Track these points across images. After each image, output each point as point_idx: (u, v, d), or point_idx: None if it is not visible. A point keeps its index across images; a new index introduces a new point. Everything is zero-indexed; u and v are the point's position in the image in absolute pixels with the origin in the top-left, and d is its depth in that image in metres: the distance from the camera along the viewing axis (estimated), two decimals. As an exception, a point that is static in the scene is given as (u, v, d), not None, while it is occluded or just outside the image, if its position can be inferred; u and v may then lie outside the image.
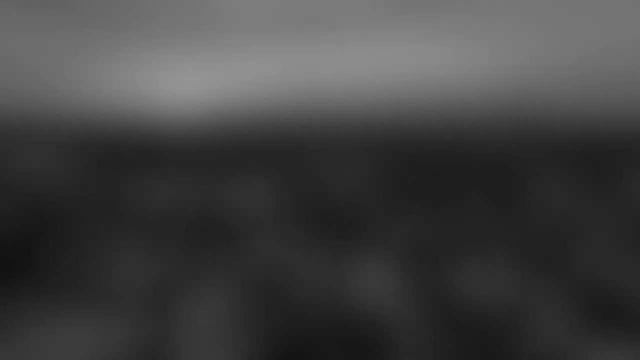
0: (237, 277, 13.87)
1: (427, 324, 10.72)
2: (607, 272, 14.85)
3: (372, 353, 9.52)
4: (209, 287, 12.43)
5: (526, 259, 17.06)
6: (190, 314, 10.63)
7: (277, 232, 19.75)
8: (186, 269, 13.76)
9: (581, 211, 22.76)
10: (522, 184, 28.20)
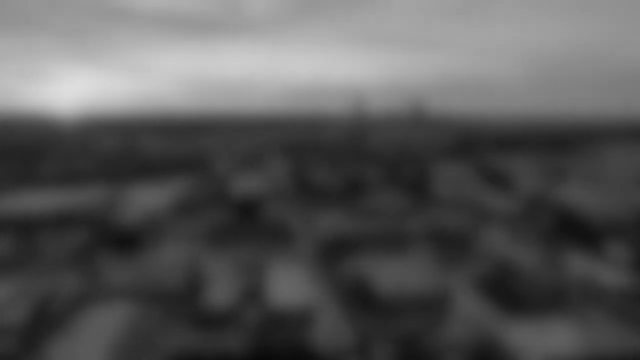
0: (140, 285, 13.11)
1: (346, 316, 10.86)
2: (508, 256, 16.41)
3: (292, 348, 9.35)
4: (109, 298, 11.47)
5: (437, 248, 18.33)
6: (86, 329, 9.72)
7: (184, 236, 19.10)
8: (83, 280, 12.59)
9: (480, 201, 25.11)
10: (427, 179, 30.46)
